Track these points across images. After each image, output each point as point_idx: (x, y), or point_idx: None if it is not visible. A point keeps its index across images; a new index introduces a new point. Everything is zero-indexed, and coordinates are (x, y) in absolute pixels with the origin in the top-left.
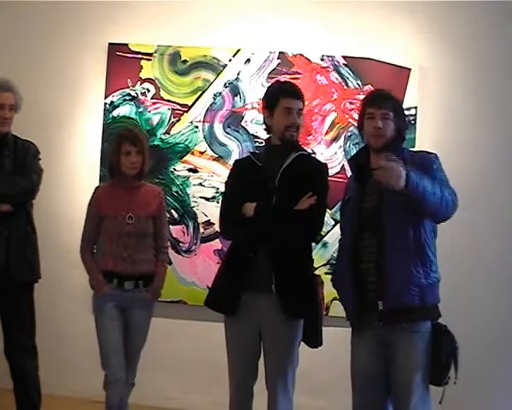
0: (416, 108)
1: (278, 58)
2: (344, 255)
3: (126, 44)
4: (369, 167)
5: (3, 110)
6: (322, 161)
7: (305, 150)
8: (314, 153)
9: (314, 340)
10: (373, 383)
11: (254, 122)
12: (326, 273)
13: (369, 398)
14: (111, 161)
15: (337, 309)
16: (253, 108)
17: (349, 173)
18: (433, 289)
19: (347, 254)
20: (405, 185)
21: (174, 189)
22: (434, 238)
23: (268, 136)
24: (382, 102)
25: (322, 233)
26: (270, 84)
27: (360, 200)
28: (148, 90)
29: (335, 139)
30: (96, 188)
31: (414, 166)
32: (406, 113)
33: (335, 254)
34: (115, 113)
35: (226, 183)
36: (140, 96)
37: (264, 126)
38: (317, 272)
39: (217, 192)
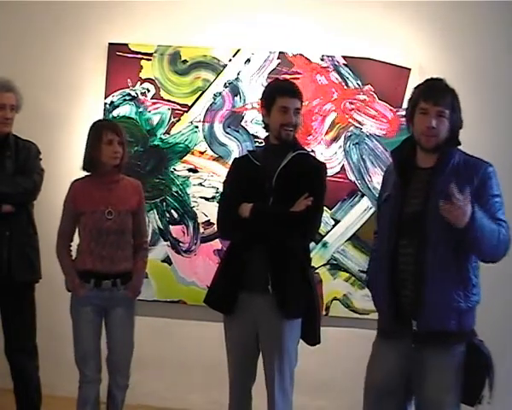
0: None
1: (278, 58)
2: (381, 260)
3: (126, 44)
4: (414, 165)
5: (5, 110)
6: (321, 160)
7: (305, 149)
8: (314, 152)
9: (312, 338)
10: (388, 398)
11: (254, 122)
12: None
13: None
14: (90, 152)
15: (337, 309)
16: (253, 108)
17: (349, 174)
18: (471, 314)
19: (385, 259)
20: (467, 223)
21: (174, 189)
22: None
23: (267, 134)
24: (440, 99)
25: (322, 233)
26: (268, 82)
27: (401, 201)
28: (148, 90)
29: (335, 139)
30: (72, 183)
31: (466, 171)
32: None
33: (335, 255)
34: (115, 113)
35: (225, 182)
36: (140, 96)
37: (263, 125)
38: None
39: (217, 192)
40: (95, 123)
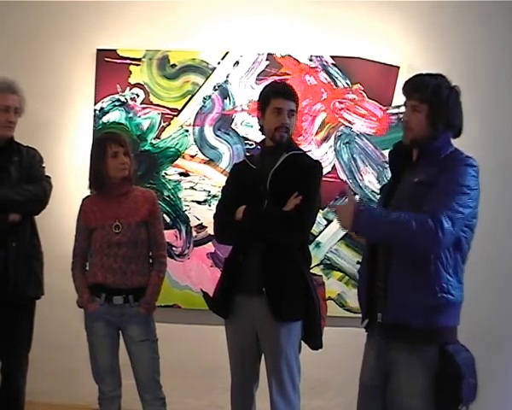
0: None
1: (267, 59)
2: (365, 251)
3: (115, 50)
4: (409, 161)
5: (9, 113)
6: (315, 159)
7: (300, 149)
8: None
9: (313, 342)
10: (372, 396)
11: (244, 124)
12: None
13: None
14: (96, 167)
15: (332, 309)
16: (242, 110)
17: (340, 173)
18: (443, 311)
19: (367, 250)
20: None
21: (166, 193)
22: (460, 254)
23: (263, 137)
24: (413, 92)
25: (315, 233)
26: (265, 84)
27: (388, 193)
28: (138, 96)
29: (326, 139)
30: (83, 200)
31: (445, 163)
32: (395, 111)
33: (329, 254)
34: (105, 119)
35: (222, 188)
36: (129, 102)
37: (258, 128)
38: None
39: (208, 195)
40: (97, 138)
